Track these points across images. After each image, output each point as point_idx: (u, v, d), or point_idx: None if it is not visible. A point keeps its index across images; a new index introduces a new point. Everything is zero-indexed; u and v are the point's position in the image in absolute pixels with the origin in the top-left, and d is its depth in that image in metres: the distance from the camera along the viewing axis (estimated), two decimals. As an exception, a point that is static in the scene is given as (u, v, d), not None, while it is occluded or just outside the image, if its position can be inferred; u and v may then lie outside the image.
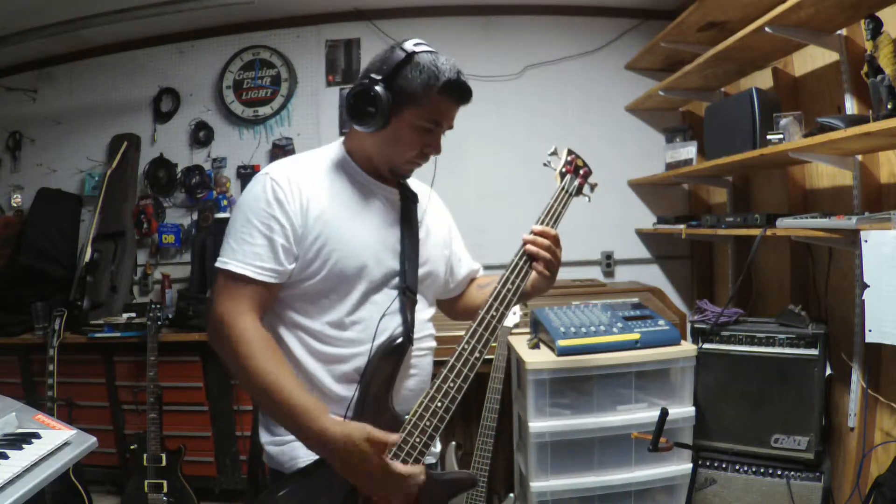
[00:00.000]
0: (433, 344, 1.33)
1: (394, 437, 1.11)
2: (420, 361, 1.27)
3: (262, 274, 1.14)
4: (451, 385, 1.14)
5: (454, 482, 1.22)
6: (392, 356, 1.18)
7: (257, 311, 1.15)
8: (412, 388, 1.24)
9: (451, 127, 1.25)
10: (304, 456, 1.15)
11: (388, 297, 1.22)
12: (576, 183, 1.37)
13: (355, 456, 1.06)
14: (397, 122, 1.18)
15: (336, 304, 1.19)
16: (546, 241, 1.24)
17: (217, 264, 1.16)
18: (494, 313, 1.19)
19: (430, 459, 1.18)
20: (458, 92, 1.19)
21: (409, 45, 1.18)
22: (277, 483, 1.18)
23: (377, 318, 1.19)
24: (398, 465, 1.09)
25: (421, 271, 1.28)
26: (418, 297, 1.26)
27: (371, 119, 1.16)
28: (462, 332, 1.20)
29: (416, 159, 1.25)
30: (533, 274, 1.26)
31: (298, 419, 1.08)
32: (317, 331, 1.19)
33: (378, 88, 1.15)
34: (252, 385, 1.11)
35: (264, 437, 1.23)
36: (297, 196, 1.16)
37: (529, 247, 1.24)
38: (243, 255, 1.14)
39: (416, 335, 1.22)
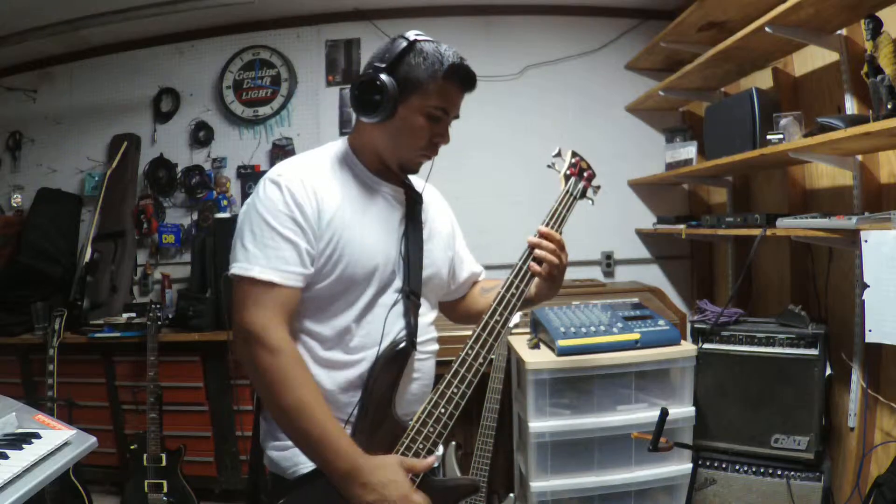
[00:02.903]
0: (436, 347, 1.31)
1: (430, 461, 1.10)
2: (423, 365, 1.25)
3: (289, 278, 1.10)
4: (455, 391, 1.13)
5: (457, 488, 1.21)
6: (395, 362, 1.16)
7: (287, 320, 1.11)
8: (415, 393, 1.23)
9: (457, 116, 1.23)
10: (306, 462, 1.14)
11: (392, 301, 1.20)
12: (580, 186, 1.35)
13: (384, 487, 1.04)
14: (404, 111, 1.16)
15: (344, 308, 1.17)
16: (551, 245, 1.22)
17: (236, 271, 1.10)
18: (499, 318, 1.18)
19: None
20: (463, 76, 1.17)
21: (410, 35, 1.18)
22: (279, 489, 1.17)
23: (381, 322, 1.18)
24: (419, 498, 1.07)
25: (424, 274, 1.26)
26: (421, 300, 1.25)
27: (378, 108, 1.15)
28: (463, 332, 1.20)
29: (426, 150, 1.22)
30: (537, 279, 1.24)
31: (329, 449, 1.05)
32: (322, 335, 1.17)
33: (383, 76, 1.14)
34: (280, 405, 1.07)
35: (266, 442, 1.21)
36: (312, 199, 1.14)
37: (535, 249, 1.22)
38: (267, 260, 1.09)
39: (419, 339, 1.21)
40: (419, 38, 1.17)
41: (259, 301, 1.08)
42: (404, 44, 1.16)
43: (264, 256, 1.10)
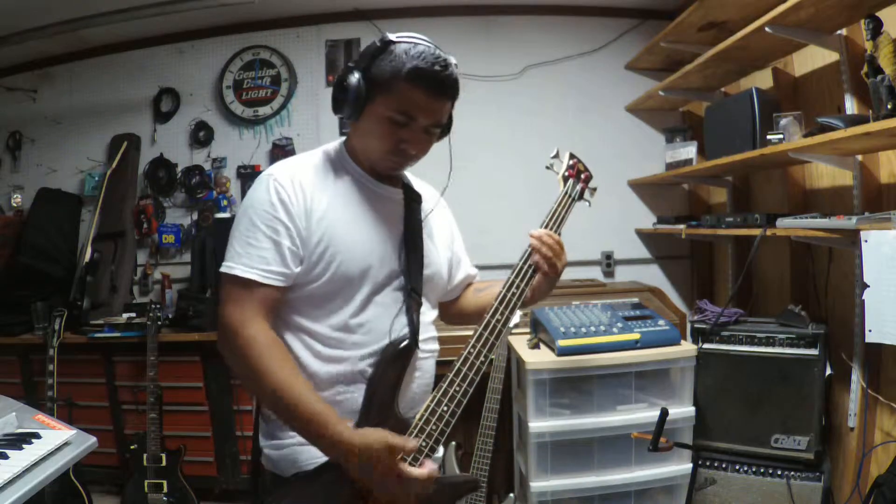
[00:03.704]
0: (436, 346, 1.32)
1: (413, 443, 1.10)
2: (424, 364, 1.25)
3: (269, 278, 1.12)
4: (458, 389, 1.13)
5: (457, 485, 1.21)
6: (398, 360, 1.17)
7: (266, 315, 1.13)
8: (416, 392, 1.23)
9: (435, 123, 1.17)
10: (304, 461, 1.14)
11: (391, 299, 1.21)
12: (578, 188, 1.36)
13: (374, 462, 1.05)
14: (369, 113, 1.16)
15: (341, 306, 1.17)
16: (551, 240, 1.24)
17: (222, 269, 1.14)
18: (500, 317, 1.18)
19: None
20: (426, 80, 1.11)
21: (392, 35, 1.15)
22: (279, 489, 1.17)
23: (382, 320, 1.18)
24: (413, 470, 1.08)
25: (425, 273, 1.26)
26: (422, 299, 1.25)
27: (343, 107, 1.16)
28: (463, 332, 1.20)
29: (392, 156, 1.19)
30: (536, 278, 1.25)
31: (314, 426, 1.06)
32: (321, 334, 1.17)
33: (352, 76, 1.14)
34: (264, 391, 1.09)
35: (263, 441, 1.22)
36: (300, 198, 1.15)
37: (534, 241, 1.23)
38: (249, 259, 1.12)
39: (420, 338, 1.21)
40: (399, 38, 1.14)
41: (240, 298, 1.12)
42: (378, 44, 1.15)
43: (247, 255, 1.13)
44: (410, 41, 1.14)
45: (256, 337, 1.10)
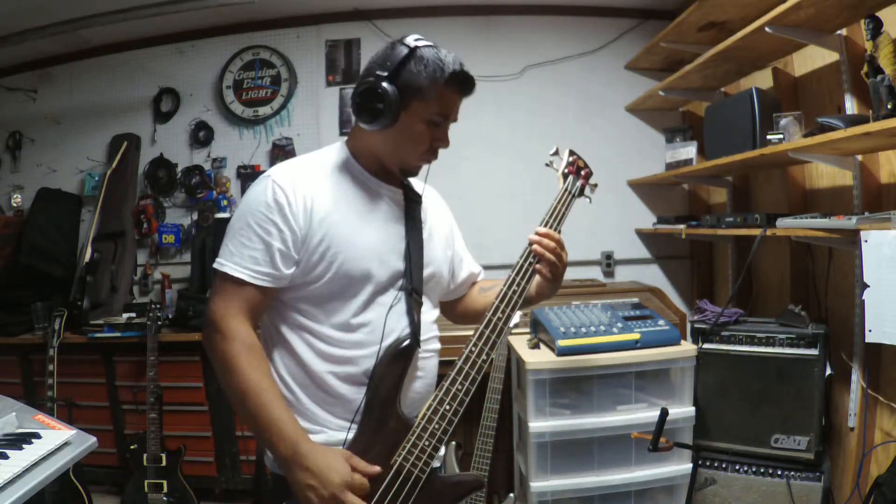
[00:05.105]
0: (438, 346, 1.32)
1: (375, 469, 1.10)
2: (426, 363, 1.26)
3: (256, 278, 1.14)
4: (459, 388, 1.14)
5: (460, 485, 1.21)
6: (400, 359, 1.17)
7: (250, 314, 1.16)
8: (418, 391, 1.23)
9: (455, 119, 1.24)
10: None
11: (393, 299, 1.21)
12: (578, 184, 1.36)
13: (325, 472, 1.05)
14: (406, 118, 1.18)
15: (342, 306, 1.18)
16: (551, 243, 1.24)
17: (215, 265, 1.17)
18: (501, 315, 1.19)
19: (435, 463, 1.17)
20: (464, 83, 1.19)
21: (410, 41, 1.18)
22: (280, 490, 1.17)
23: (383, 320, 1.19)
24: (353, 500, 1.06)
25: (425, 272, 1.27)
26: (423, 298, 1.26)
27: (380, 116, 1.16)
28: (464, 332, 1.20)
29: (426, 155, 1.24)
30: (538, 277, 1.25)
31: (273, 432, 1.08)
32: (323, 333, 1.18)
33: (385, 85, 1.15)
34: (232, 387, 1.11)
35: None
36: (300, 199, 1.16)
37: (535, 247, 1.23)
38: (241, 259, 1.14)
39: (422, 337, 1.22)
40: (419, 43, 1.18)
41: (226, 295, 1.15)
42: (405, 51, 1.16)
43: (238, 255, 1.16)
44: (430, 45, 1.19)
45: (237, 334, 1.12)
